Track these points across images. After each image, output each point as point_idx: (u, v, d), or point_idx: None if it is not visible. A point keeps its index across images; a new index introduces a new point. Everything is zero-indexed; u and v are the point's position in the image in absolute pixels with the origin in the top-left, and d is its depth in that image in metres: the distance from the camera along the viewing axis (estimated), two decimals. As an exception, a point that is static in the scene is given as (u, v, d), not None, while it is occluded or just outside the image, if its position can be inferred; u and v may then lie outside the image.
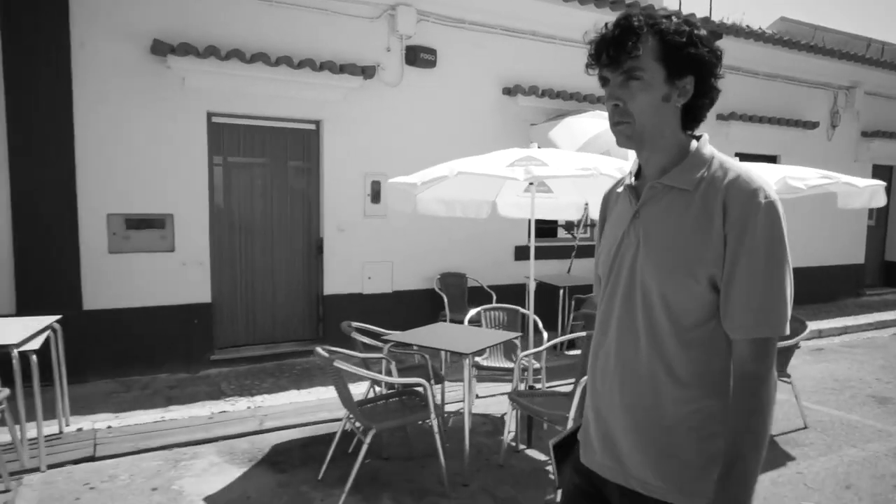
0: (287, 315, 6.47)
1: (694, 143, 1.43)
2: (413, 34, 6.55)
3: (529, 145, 4.81)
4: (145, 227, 5.63)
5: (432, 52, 6.66)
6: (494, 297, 6.70)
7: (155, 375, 5.71)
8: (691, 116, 1.41)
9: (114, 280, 5.53)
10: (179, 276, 5.79)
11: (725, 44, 8.50)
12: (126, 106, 5.45)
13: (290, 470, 3.91)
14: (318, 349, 3.53)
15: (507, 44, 7.23)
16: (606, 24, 1.36)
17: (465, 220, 6.59)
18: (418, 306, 6.87)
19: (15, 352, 3.66)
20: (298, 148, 6.36)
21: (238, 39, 5.77)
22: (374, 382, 4.35)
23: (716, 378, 1.37)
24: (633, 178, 1.52)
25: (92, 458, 4.03)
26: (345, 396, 3.52)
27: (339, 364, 3.29)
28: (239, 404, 5.09)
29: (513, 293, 7.14)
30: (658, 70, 1.33)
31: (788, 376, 4.77)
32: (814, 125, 9.73)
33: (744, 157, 9.32)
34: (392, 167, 6.55)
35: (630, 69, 1.33)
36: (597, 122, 6.59)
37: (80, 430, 4.41)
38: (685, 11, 8.39)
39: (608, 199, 1.65)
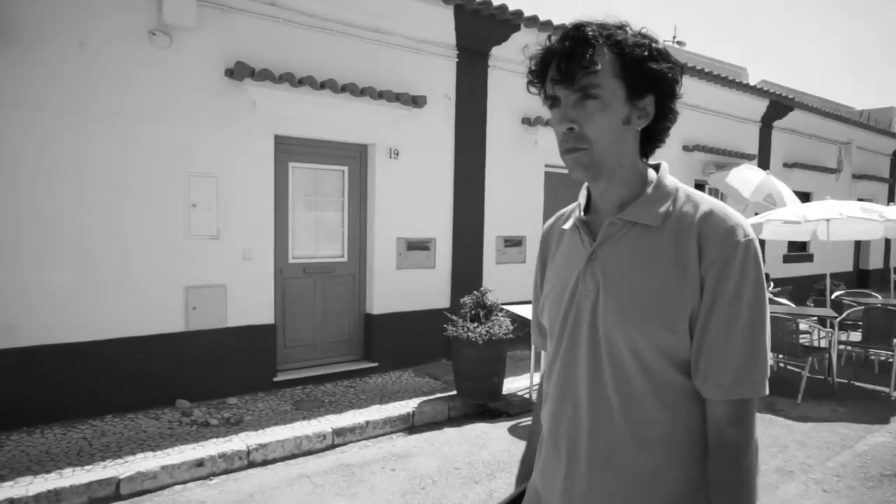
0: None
1: (653, 173, 1.27)
2: (646, 109, 9.27)
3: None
4: (511, 246, 7.90)
5: (653, 121, 9.43)
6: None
7: (512, 352, 7.94)
8: (650, 142, 1.26)
9: (495, 285, 7.73)
10: (524, 281, 8.08)
11: (797, 115, 11.98)
12: (503, 161, 7.73)
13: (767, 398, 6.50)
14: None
15: (686, 115, 10.13)
16: (550, 36, 1.18)
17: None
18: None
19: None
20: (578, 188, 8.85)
21: (563, 114, 8.22)
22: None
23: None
24: (582, 213, 1.33)
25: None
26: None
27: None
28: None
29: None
30: (617, 88, 1.14)
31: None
32: (834, 170, 13.49)
33: (795, 192, 12.84)
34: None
35: (586, 86, 1.13)
36: (755, 172, 9.60)
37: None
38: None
39: (549, 237, 1.46)
